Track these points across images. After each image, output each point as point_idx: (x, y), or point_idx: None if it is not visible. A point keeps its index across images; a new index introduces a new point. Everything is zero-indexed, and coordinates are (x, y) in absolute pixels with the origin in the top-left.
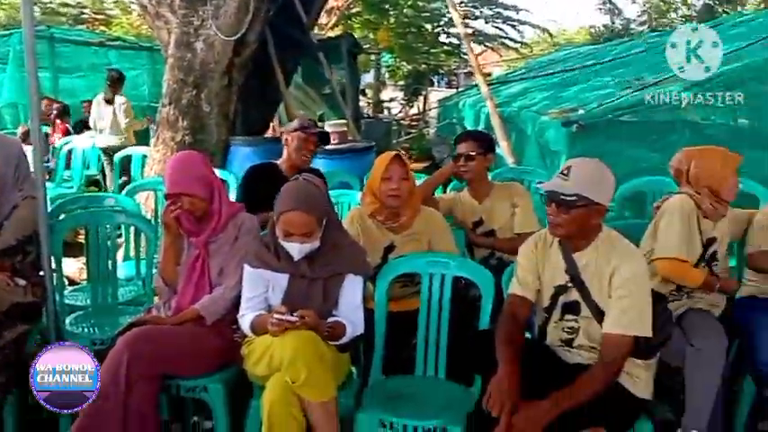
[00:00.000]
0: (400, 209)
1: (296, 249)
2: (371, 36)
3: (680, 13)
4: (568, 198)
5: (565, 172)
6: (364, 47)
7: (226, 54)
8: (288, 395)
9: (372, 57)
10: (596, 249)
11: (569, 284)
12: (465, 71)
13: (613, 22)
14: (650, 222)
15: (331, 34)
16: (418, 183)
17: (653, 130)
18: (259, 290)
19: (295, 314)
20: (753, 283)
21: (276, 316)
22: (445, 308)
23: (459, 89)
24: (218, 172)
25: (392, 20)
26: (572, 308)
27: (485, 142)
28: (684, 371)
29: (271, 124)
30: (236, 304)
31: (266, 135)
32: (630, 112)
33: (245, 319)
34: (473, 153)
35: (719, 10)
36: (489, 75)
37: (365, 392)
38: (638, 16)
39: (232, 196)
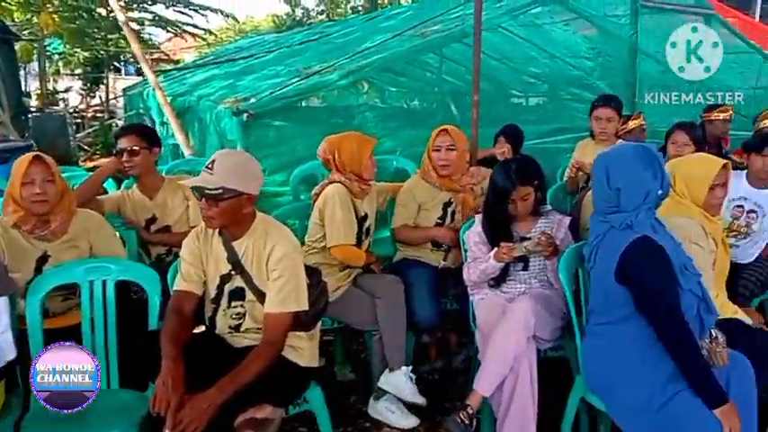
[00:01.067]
0: (50, 214)
1: None
2: (36, 20)
3: (351, 5)
4: (214, 191)
5: (210, 166)
6: (26, 32)
7: None
8: None
9: (36, 44)
10: (253, 235)
11: (233, 272)
12: (153, 58)
13: (294, 11)
14: (314, 207)
15: None
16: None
17: (337, 114)
18: None
19: None
20: (402, 249)
21: None
22: (111, 315)
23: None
24: None
25: (56, 2)
26: (237, 294)
27: (149, 135)
28: (378, 323)
29: None
30: None
31: None
32: (302, 99)
33: None
34: (137, 147)
35: (385, 2)
36: (178, 62)
37: (24, 420)
38: (317, 6)
39: None
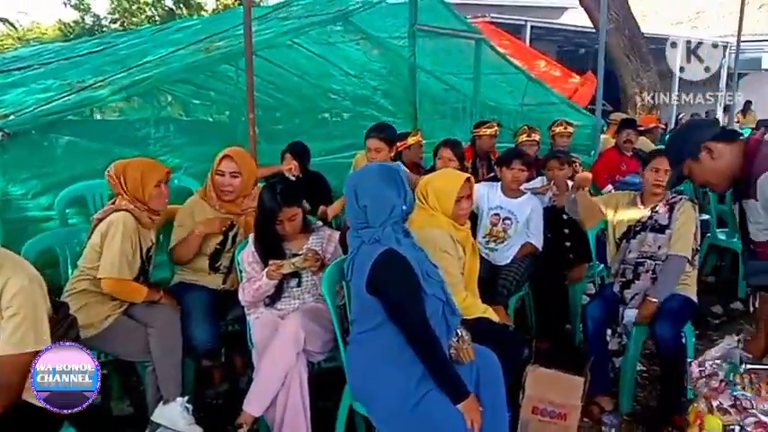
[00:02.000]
0: None
1: None
2: None
3: (145, 15)
4: None
5: None
6: None
7: None
8: None
9: None
10: None
11: None
12: None
13: (83, 19)
14: (91, 232)
15: None
16: None
17: (133, 128)
18: None
19: None
20: (179, 273)
21: None
22: None
23: None
24: None
25: None
26: None
27: None
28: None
29: None
30: None
31: None
32: (70, 115)
33: None
34: None
35: (184, 13)
36: None
37: None
38: (110, 14)
39: None
